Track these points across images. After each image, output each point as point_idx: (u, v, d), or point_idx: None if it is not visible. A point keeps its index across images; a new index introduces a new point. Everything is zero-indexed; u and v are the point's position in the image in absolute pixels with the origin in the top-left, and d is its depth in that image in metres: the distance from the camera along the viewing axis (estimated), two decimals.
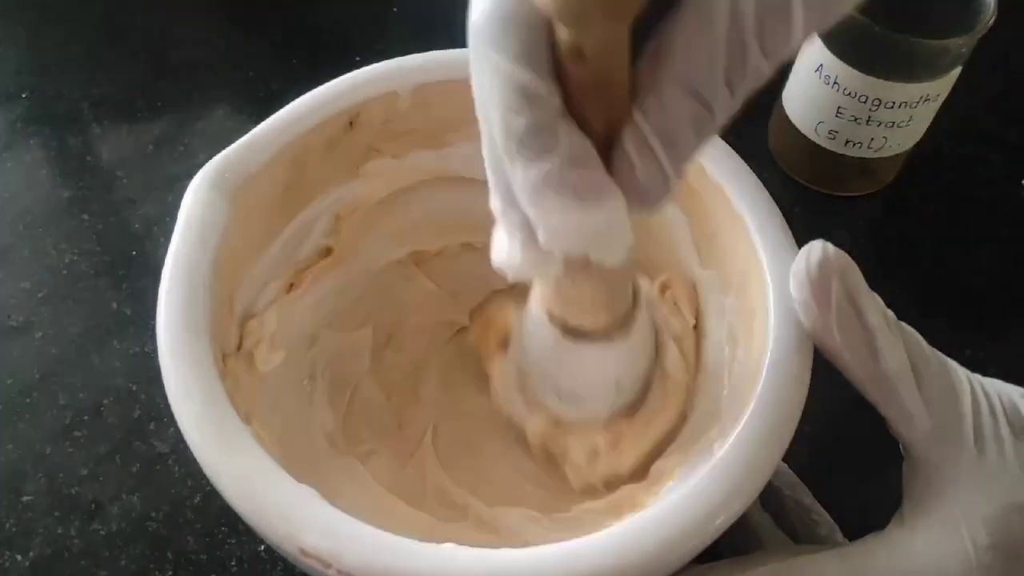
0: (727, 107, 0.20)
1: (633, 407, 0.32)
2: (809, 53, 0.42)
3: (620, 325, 0.29)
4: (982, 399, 0.26)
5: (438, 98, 0.33)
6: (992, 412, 0.26)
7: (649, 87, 0.20)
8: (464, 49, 0.35)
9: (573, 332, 0.29)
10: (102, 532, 0.35)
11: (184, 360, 0.25)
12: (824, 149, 0.44)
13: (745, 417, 0.26)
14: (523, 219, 0.22)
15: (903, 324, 0.26)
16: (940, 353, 0.27)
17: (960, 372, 0.26)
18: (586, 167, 0.20)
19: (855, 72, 0.40)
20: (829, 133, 0.43)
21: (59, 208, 0.45)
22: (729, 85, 0.20)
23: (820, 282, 0.26)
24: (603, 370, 0.30)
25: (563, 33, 0.19)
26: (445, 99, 0.33)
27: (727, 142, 0.49)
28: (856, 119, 0.42)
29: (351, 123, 0.32)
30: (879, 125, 0.42)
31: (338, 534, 0.23)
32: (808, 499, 0.33)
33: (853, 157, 0.44)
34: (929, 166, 0.47)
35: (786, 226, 0.31)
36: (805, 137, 0.44)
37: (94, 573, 0.34)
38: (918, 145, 0.45)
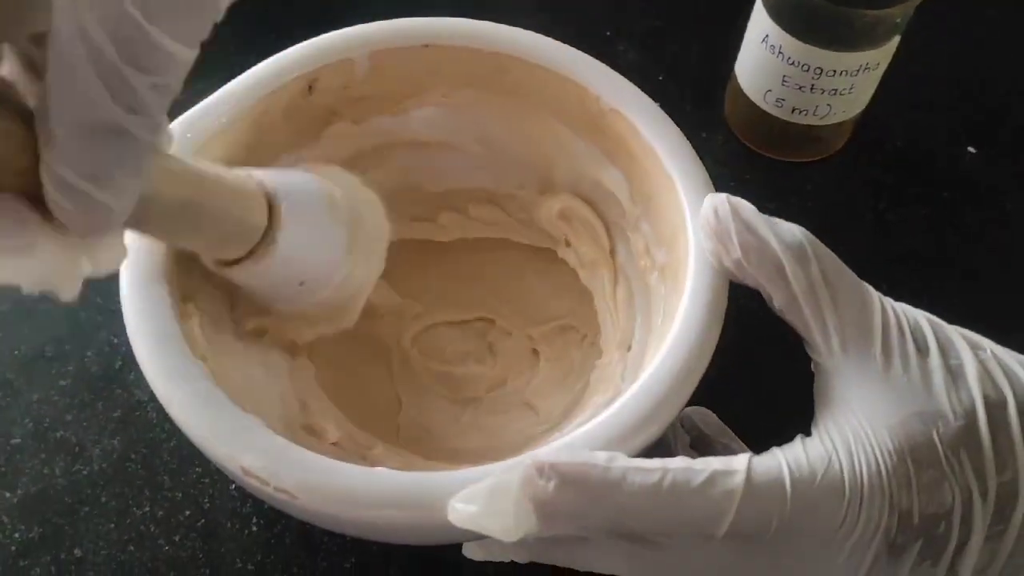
0: (144, 122, 0.21)
1: None
2: (756, 24, 0.44)
3: (258, 247, 0.29)
4: (892, 316, 0.28)
5: (393, 65, 0.36)
6: (900, 329, 0.28)
7: (46, 137, 0.21)
8: (422, 19, 0.37)
9: (228, 263, 0.30)
10: (84, 472, 0.38)
11: (141, 300, 0.28)
12: (773, 117, 0.46)
13: (663, 350, 0.29)
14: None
15: (819, 245, 0.28)
16: (853, 274, 0.29)
17: (872, 292, 0.28)
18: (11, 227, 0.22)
19: (797, 42, 0.42)
20: (777, 101, 0.45)
21: None
22: (129, 107, 0.21)
23: (720, 226, 0.29)
24: (274, 280, 0.31)
25: None
26: (400, 66, 0.36)
27: (684, 110, 0.51)
28: (801, 87, 0.44)
29: (310, 88, 0.34)
30: (823, 93, 0.44)
31: (275, 456, 0.25)
32: (736, 444, 0.36)
33: (800, 124, 0.46)
34: (876, 133, 0.49)
35: (711, 187, 0.33)
36: (755, 105, 0.46)
37: (77, 509, 0.37)
38: (865, 113, 0.47)
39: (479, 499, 0.25)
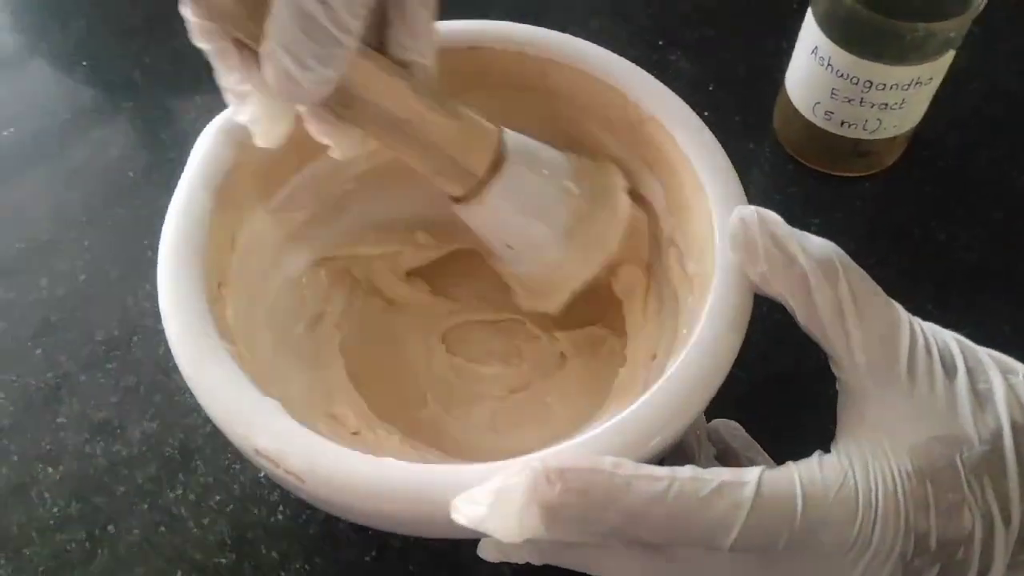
0: (338, 25, 0.26)
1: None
2: (806, 35, 0.43)
3: (472, 192, 0.33)
4: (920, 337, 0.27)
5: (438, 66, 0.36)
6: (928, 350, 0.27)
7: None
8: (469, 21, 0.38)
9: (455, 200, 0.34)
10: (123, 453, 0.39)
11: (175, 282, 0.29)
12: (822, 129, 0.45)
13: (683, 355, 0.29)
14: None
15: (848, 261, 0.28)
16: (882, 292, 0.28)
17: (901, 311, 0.28)
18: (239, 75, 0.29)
19: (847, 54, 0.41)
20: (825, 114, 0.44)
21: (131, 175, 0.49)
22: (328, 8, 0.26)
23: (748, 240, 0.28)
24: (488, 230, 0.35)
25: None
26: (445, 67, 0.36)
27: (733, 120, 0.51)
28: (849, 100, 0.43)
29: None
30: (872, 107, 0.43)
31: (287, 439, 0.26)
32: (762, 458, 0.35)
33: (849, 138, 0.45)
34: (929, 149, 0.48)
35: (744, 199, 0.33)
36: (804, 118, 0.46)
37: (113, 488, 0.38)
38: (919, 129, 0.46)
39: (483, 500, 0.25)
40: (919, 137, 0.47)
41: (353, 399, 0.35)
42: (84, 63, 0.54)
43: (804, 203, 0.47)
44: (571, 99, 0.38)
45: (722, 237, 0.31)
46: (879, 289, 0.28)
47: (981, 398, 0.26)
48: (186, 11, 0.27)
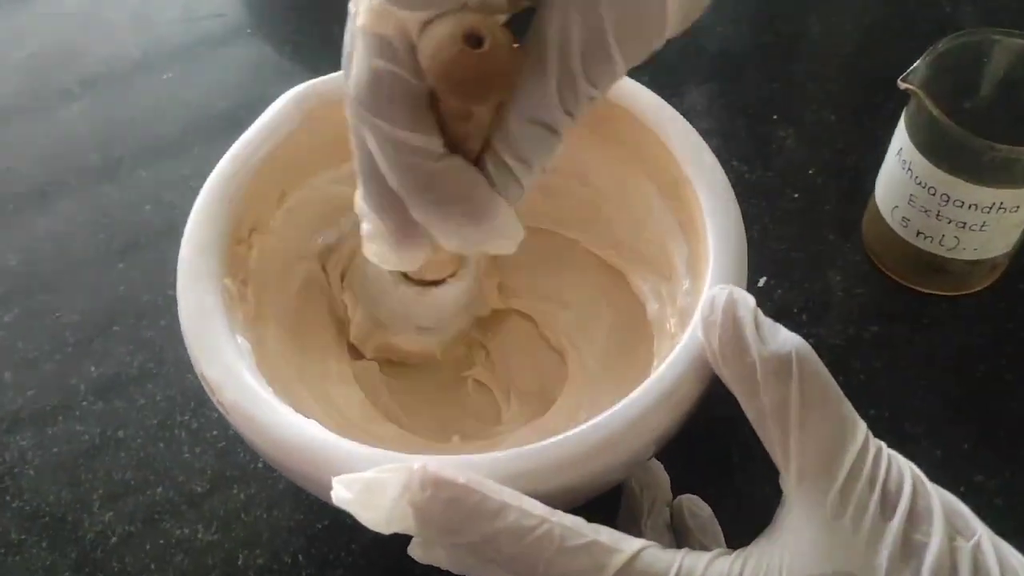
0: (568, 125, 0.25)
1: None
2: (898, 133, 0.41)
3: (462, 266, 0.36)
4: (867, 465, 0.25)
5: None
6: (871, 482, 0.25)
7: (501, 121, 0.25)
8: None
9: (427, 283, 0.35)
10: (154, 371, 0.43)
11: (204, 217, 0.34)
12: (898, 236, 0.43)
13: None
14: (397, 224, 0.27)
15: (812, 365, 0.26)
16: (850, 407, 0.27)
17: (860, 433, 0.26)
18: (479, 192, 0.26)
19: (926, 162, 0.39)
20: (903, 220, 0.42)
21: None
22: (568, 112, 0.24)
23: (709, 319, 0.28)
24: (456, 301, 0.37)
25: (456, 102, 0.24)
26: None
27: (823, 208, 0.48)
28: (926, 211, 0.41)
29: None
30: (949, 222, 0.40)
31: (231, 376, 0.30)
32: (714, 545, 0.34)
33: (925, 251, 0.42)
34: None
35: (743, 280, 0.33)
36: (884, 221, 0.43)
37: (135, 399, 0.43)
38: (1018, 258, 0.43)
39: (356, 488, 0.26)
40: (1017, 267, 0.44)
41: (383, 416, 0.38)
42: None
43: (864, 308, 0.44)
44: (624, 145, 0.39)
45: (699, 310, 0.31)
46: (842, 403, 0.26)
47: (910, 550, 0.24)
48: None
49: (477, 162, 0.26)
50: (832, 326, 0.43)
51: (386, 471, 0.26)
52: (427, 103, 0.25)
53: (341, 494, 0.26)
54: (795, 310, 0.44)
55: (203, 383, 0.31)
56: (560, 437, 0.29)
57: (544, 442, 0.29)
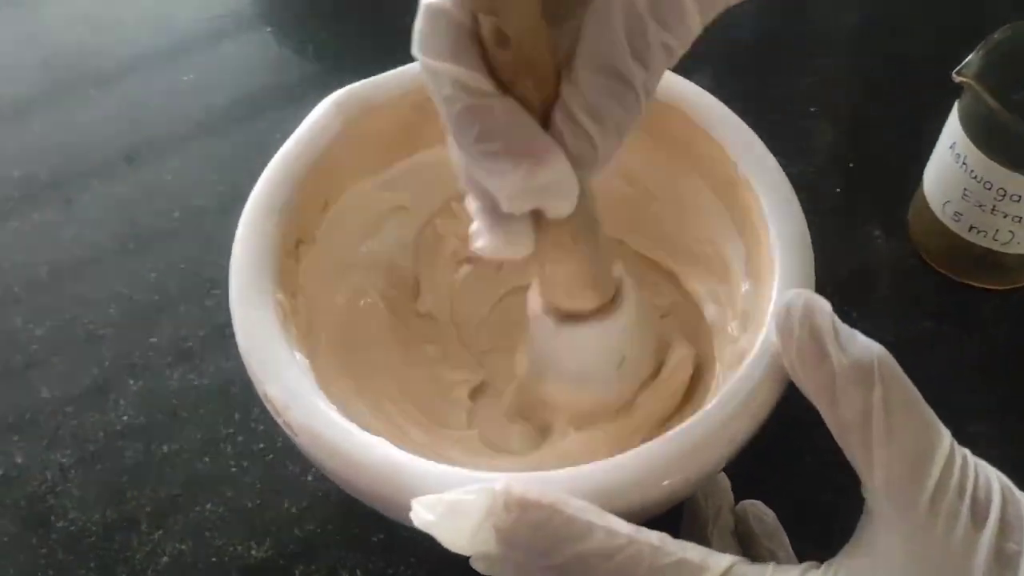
0: (645, 80, 0.23)
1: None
2: (949, 127, 0.41)
3: (610, 304, 0.32)
4: (956, 473, 0.25)
5: None
6: (960, 491, 0.24)
7: (569, 70, 0.23)
8: None
9: (569, 316, 0.32)
10: (195, 383, 0.43)
11: (252, 231, 0.33)
12: (949, 231, 0.42)
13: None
14: (490, 204, 0.26)
15: (893, 371, 0.26)
16: (932, 415, 0.26)
17: (945, 440, 0.25)
18: (526, 132, 0.24)
19: (982, 156, 0.38)
20: (954, 215, 0.42)
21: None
22: (640, 60, 0.23)
23: (786, 326, 0.27)
24: (605, 347, 0.33)
25: (486, 23, 0.22)
26: None
27: (864, 201, 0.48)
28: (981, 206, 0.40)
29: None
30: (1005, 217, 0.40)
31: (295, 395, 0.29)
32: (783, 553, 0.33)
33: (978, 245, 0.42)
34: None
35: (811, 282, 0.32)
36: (934, 215, 0.43)
37: (178, 411, 0.42)
38: None
39: (438, 511, 0.25)
40: None
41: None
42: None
43: (913, 304, 0.44)
44: (676, 145, 0.38)
45: (772, 316, 0.30)
46: (926, 409, 0.26)
47: (1004, 559, 0.23)
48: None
49: (545, 120, 0.25)
50: (882, 323, 0.43)
51: (468, 492, 0.25)
52: (473, 39, 0.23)
53: (422, 516, 0.25)
54: (844, 307, 0.43)
55: (266, 403, 0.30)
56: (638, 450, 0.28)
57: (622, 455, 0.28)
